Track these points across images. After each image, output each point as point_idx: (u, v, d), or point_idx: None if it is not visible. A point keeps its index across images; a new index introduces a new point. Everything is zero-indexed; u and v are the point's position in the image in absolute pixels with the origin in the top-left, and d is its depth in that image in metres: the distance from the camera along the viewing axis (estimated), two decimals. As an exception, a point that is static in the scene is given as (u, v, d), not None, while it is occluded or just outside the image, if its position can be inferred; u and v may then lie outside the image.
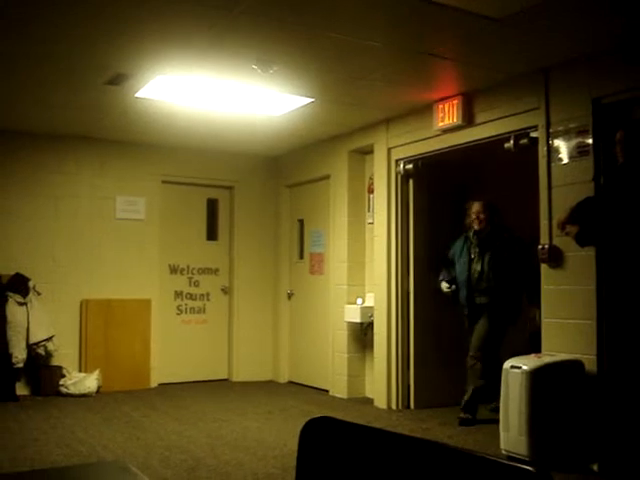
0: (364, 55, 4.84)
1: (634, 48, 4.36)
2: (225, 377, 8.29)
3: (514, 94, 5.28)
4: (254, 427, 5.67)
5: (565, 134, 4.83)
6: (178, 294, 8.12)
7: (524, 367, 4.45)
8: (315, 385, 7.69)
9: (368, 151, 7.09)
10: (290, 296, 8.31)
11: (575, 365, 4.54)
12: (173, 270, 8.10)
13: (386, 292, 6.55)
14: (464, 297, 5.83)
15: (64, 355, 7.17)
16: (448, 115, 5.82)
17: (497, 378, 5.71)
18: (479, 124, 5.63)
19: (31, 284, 6.96)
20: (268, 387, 7.87)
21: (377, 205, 6.78)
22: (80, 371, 7.25)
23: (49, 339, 6.92)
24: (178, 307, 8.12)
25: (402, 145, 6.47)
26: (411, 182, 6.56)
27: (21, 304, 6.83)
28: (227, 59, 4.93)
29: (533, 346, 5.15)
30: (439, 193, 6.59)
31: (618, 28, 4.24)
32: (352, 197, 7.28)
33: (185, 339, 8.08)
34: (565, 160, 4.82)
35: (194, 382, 7.94)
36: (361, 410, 6.44)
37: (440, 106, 5.89)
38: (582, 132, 4.70)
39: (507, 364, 4.59)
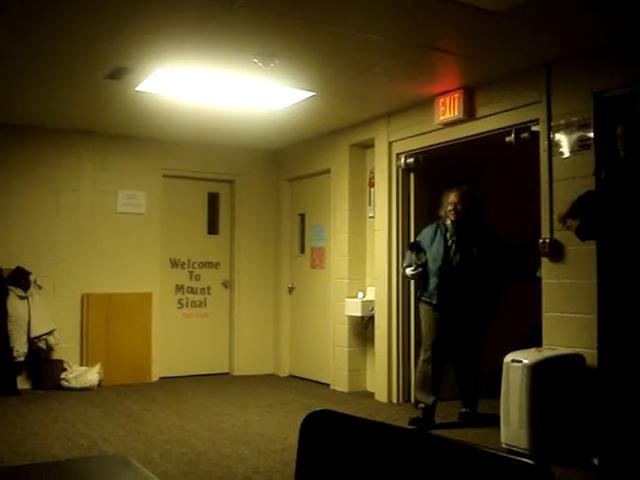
0: (365, 49, 4.82)
1: (635, 42, 4.35)
2: (226, 371, 8.30)
3: (515, 88, 5.27)
4: (255, 421, 5.68)
5: (566, 128, 4.82)
6: (179, 288, 8.13)
7: (525, 361, 4.45)
8: (316, 379, 7.70)
9: (369, 145, 7.08)
10: (291, 290, 8.32)
11: (576, 359, 4.54)
12: (174, 264, 8.10)
13: (387, 286, 6.55)
14: (434, 286, 5.46)
15: (65, 349, 7.18)
16: (449, 109, 5.80)
17: (474, 379, 5.62)
18: (480, 118, 5.62)
19: (32, 278, 6.97)
20: (269, 381, 7.88)
21: (378, 199, 6.77)
22: (81, 365, 7.27)
23: (50, 333, 6.93)
24: (179, 301, 8.13)
25: (403, 139, 6.46)
26: (412, 176, 6.55)
27: (22, 298, 6.84)
28: (228, 53, 4.92)
29: (534, 340, 5.15)
30: (440, 187, 6.57)
31: (619, 22, 4.23)
32: (353, 191, 7.27)
33: (186, 333, 8.09)
34: (566, 154, 4.81)
35: (195, 376, 7.94)
36: (362, 404, 6.45)
37: (441, 100, 5.88)
38: (583, 126, 4.69)
39: (508, 358, 4.59)
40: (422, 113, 6.16)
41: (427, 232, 5.65)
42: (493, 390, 5.06)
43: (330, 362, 7.42)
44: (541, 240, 4.96)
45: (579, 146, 4.71)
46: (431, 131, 6.10)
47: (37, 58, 5.07)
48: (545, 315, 4.95)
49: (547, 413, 4.39)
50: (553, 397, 4.41)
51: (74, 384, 6.95)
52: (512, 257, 5.51)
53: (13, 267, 6.93)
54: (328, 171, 7.62)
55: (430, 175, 6.51)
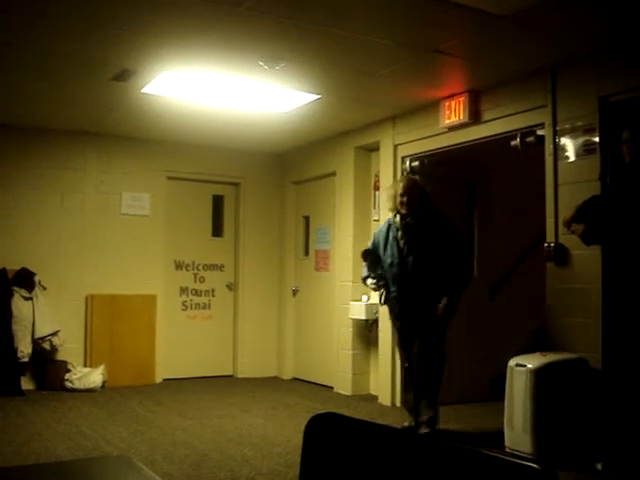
0: (371, 52, 4.83)
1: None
2: (230, 373, 8.30)
3: (521, 92, 5.26)
4: (258, 423, 5.68)
5: (572, 132, 4.81)
6: (183, 290, 8.13)
7: (529, 365, 4.44)
8: (319, 382, 7.70)
9: (374, 148, 7.08)
10: (295, 293, 8.32)
11: (580, 364, 4.53)
12: (178, 266, 8.11)
13: (391, 289, 6.53)
14: (394, 295, 5.18)
15: (69, 350, 7.19)
16: (455, 112, 5.80)
17: (433, 387, 5.12)
18: (486, 122, 5.61)
19: (37, 279, 6.98)
20: (273, 383, 7.88)
21: (383, 202, 6.76)
22: (85, 366, 7.28)
23: (54, 334, 6.94)
24: (183, 303, 8.13)
25: (408, 142, 6.46)
26: (417, 179, 6.55)
27: (27, 299, 6.85)
28: (233, 55, 4.93)
29: (538, 344, 5.13)
30: (445, 190, 6.57)
31: (625, 26, 4.22)
32: (358, 194, 7.27)
33: (190, 335, 8.10)
34: (571, 158, 4.81)
35: (199, 378, 7.95)
36: (365, 407, 6.44)
37: (447, 103, 5.88)
38: (589, 130, 4.68)
39: (512, 362, 4.58)
40: (427, 116, 6.16)
41: (379, 235, 5.35)
42: (497, 394, 5.05)
43: (334, 365, 7.42)
44: (546, 244, 4.95)
45: (584, 150, 4.71)
46: (436, 134, 6.10)
47: (43, 60, 5.08)
48: (549, 319, 4.94)
49: (551, 418, 4.38)
50: (557, 402, 4.40)
51: (78, 385, 6.96)
52: (466, 247, 5.37)
53: (18, 268, 6.94)
54: (333, 174, 7.62)
55: (435, 178, 6.50)
